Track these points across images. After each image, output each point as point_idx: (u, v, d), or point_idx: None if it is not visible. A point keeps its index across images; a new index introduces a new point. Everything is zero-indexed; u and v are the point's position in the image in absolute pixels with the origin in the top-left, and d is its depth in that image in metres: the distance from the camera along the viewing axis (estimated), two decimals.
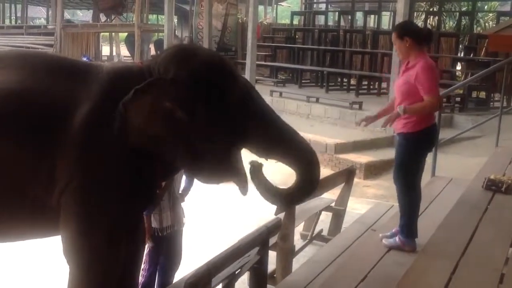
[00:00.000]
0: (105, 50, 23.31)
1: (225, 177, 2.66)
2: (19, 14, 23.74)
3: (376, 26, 17.88)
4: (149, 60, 2.71)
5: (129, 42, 20.61)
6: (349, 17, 17.49)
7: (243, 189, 2.67)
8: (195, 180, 3.51)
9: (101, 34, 21.46)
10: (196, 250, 4.85)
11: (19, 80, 2.41)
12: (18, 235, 2.62)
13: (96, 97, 2.42)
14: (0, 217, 2.43)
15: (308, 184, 2.66)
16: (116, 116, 2.33)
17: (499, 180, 4.08)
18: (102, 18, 21.27)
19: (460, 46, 15.13)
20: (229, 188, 2.85)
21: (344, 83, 13.95)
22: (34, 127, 2.36)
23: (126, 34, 22.18)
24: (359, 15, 20.10)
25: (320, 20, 19.05)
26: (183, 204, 3.67)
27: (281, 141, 2.61)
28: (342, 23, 18.16)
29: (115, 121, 2.33)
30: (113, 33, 22.96)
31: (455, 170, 3.94)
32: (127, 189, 2.45)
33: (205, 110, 2.46)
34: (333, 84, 13.90)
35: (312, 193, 2.79)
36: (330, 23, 19.65)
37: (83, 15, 32.35)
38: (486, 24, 18.66)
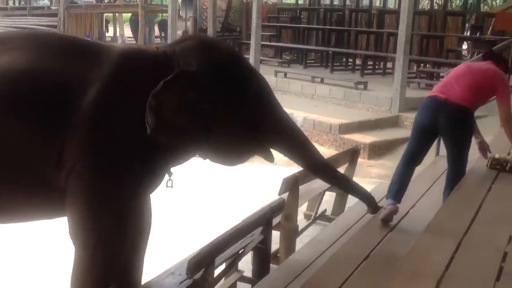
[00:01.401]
0: (109, 31, 23.20)
1: (247, 159, 2.76)
2: None
3: (382, 5, 17.72)
4: (164, 47, 2.70)
5: (133, 23, 20.51)
6: None
7: (269, 158, 2.77)
8: None
9: (105, 14, 21.38)
10: (199, 230, 4.88)
11: (30, 60, 2.40)
12: (31, 216, 2.62)
13: (106, 79, 2.41)
14: (17, 198, 2.44)
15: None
16: (146, 110, 2.32)
17: (504, 159, 4.05)
18: None
19: (467, 25, 14.99)
20: (233, 168, 2.86)
21: (349, 63, 13.87)
22: (45, 107, 2.35)
23: (130, 14, 22.08)
24: None
25: None
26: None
27: (292, 143, 2.75)
28: (347, 2, 18.01)
29: (146, 114, 2.33)
30: (117, 14, 22.86)
31: None
32: (136, 172, 2.45)
33: (227, 104, 2.51)
34: (338, 64, 13.81)
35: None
36: (336, 2, 19.49)
37: None
38: (493, 2, 18.48)
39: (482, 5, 17.09)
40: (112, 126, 2.39)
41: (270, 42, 15.58)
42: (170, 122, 2.39)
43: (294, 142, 2.76)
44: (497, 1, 17.54)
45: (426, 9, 17.26)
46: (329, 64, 13.37)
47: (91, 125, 2.35)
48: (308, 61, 14.39)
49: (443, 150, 4.11)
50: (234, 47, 2.91)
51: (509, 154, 4.16)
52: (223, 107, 2.50)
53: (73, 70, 2.41)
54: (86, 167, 2.37)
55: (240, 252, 3.47)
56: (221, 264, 3.33)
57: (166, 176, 2.66)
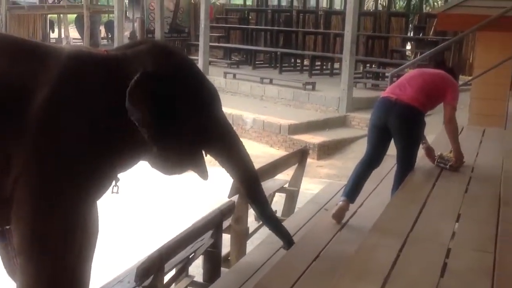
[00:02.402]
0: (54, 32, 22.62)
1: (186, 168, 2.75)
2: None
3: (328, 6, 17.99)
4: (114, 50, 2.68)
5: (79, 24, 20.06)
6: None
7: (203, 175, 2.78)
8: None
9: (49, 16, 20.84)
10: (148, 236, 4.82)
11: None
12: None
13: (55, 82, 2.33)
14: None
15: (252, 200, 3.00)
16: (129, 108, 2.32)
17: (447, 158, 4.18)
18: None
19: (410, 25, 15.40)
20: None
21: (297, 64, 14.02)
22: None
23: (75, 15, 21.59)
24: None
25: (274, 0, 19.02)
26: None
27: (230, 153, 2.80)
28: (295, 3, 18.19)
29: (132, 113, 2.32)
30: (62, 15, 22.30)
31: None
32: (83, 178, 2.38)
33: (181, 107, 2.52)
34: (286, 65, 13.95)
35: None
36: (283, 3, 19.65)
37: None
38: (435, 3, 19.02)
39: (424, 6, 17.57)
40: (59, 131, 2.32)
41: (218, 43, 15.57)
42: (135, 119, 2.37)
43: (232, 152, 2.80)
44: (439, 2, 18.05)
45: (371, 10, 17.63)
46: (277, 65, 13.48)
47: (38, 129, 2.28)
48: (256, 62, 14.47)
49: (389, 149, 4.20)
50: (183, 51, 2.91)
51: (450, 152, 4.28)
52: (179, 110, 2.51)
53: (20, 72, 2.33)
54: (32, 174, 2.29)
55: (190, 256, 3.45)
56: (171, 269, 3.30)
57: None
